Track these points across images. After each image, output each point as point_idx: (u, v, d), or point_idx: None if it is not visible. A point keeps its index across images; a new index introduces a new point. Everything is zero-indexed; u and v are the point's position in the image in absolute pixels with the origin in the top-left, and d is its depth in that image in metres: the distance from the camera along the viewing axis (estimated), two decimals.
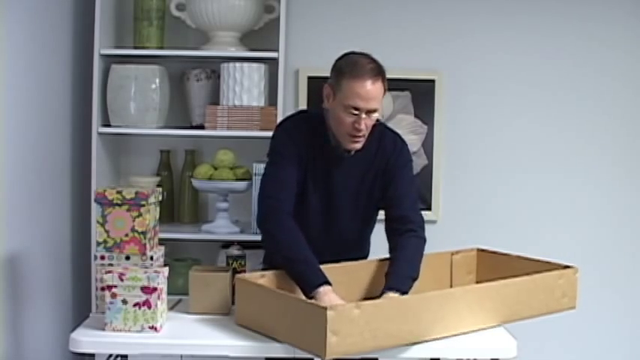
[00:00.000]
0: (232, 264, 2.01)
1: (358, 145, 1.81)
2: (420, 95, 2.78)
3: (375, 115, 1.79)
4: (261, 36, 2.68)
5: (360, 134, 1.78)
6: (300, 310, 1.50)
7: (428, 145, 2.79)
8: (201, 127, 2.65)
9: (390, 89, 2.74)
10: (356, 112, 1.76)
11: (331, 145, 1.86)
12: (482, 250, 2.06)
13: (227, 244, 2.61)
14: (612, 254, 2.88)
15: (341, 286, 1.72)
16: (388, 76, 2.80)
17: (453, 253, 2.00)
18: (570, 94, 2.85)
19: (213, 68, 2.71)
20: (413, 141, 2.74)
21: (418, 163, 2.77)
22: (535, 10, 2.82)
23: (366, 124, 1.78)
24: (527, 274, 1.80)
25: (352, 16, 2.79)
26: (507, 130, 2.84)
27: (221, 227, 2.59)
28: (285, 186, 1.79)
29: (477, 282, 1.98)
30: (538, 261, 1.93)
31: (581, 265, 2.83)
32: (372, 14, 2.80)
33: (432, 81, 2.79)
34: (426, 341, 1.59)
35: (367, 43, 2.80)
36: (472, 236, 2.79)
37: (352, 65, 1.77)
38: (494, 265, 1.97)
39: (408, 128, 2.77)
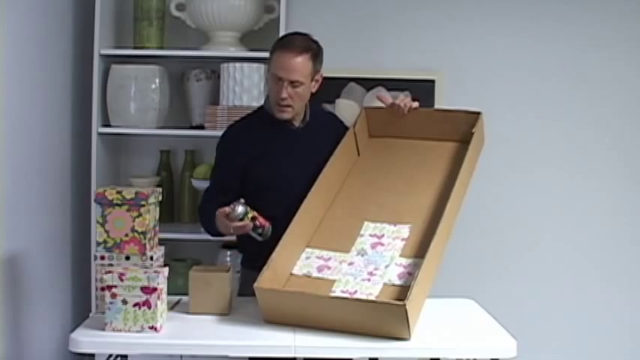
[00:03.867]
0: (247, 214, 1.89)
1: (286, 115, 1.96)
2: (420, 96, 2.75)
3: (300, 90, 1.93)
4: (261, 36, 2.67)
5: (285, 103, 1.93)
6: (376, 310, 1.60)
7: None
8: (201, 127, 2.65)
9: (389, 89, 2.80)
10: (280, 82, 1.91)
11: (279, 121, 1.99)
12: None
13: (227, 244, 2.60)
14: (616, 254, 2.86)
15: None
16: (387, 76, 2.78)
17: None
18: (574, 94, 2.84)
19: (213, 68, 2.70)
20: None
21: None
22: (536, 9, 2.81)
23: (289, 94, 1.92)
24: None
25: (352, 15, 2.78)
26: (509, 131, 2.83)
27: None
28: (213, 192, 2.01)
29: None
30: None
31: (581, 265, 2.85)
32: (372, 14, 2.79)
33: (432, 81, 2.78)
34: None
35: (367, 42, 2.81)
36: (474, 233, 2.79)
37: (284, 41, 1.97)
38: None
39: None
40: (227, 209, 1.83)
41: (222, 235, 1.95)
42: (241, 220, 1.82)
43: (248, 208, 1.83)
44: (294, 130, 2.03)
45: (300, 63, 1.91)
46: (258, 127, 2.01)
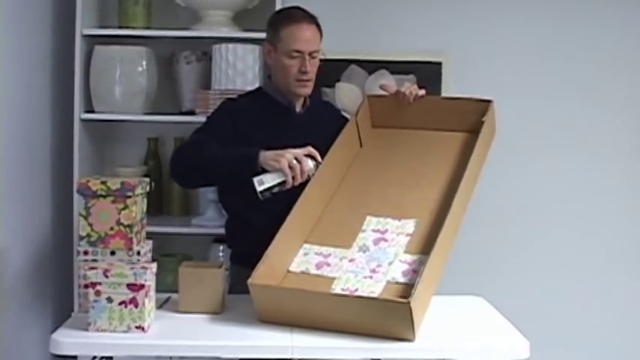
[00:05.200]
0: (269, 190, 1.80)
1: (307, 90, 2.00)
2: (426, 79, 2.76)
3: (317, 60, 1.99)
4: (255, 15, 2.65)
5: (307, 77, 1.97)
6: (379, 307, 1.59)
7: None
8: (191, 112, 2.64)
9: (393, 72, 2.80)
10: (299, 55, 1.95)
11: (281, 105, 2.01)
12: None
13: (219, 238, 2.60)
14: (637, 248, 2.86)
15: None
16: (391, 58, 2.77)
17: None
18: (590, 78, 2.83)
19: (204, 50, 2.69)
20: None
21: None
22: None
23: (311, 65, 1.97)
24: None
25: None
26: (519, 114, 2.82)
27: (213, 220, 2.60)
28: (206, 142, 1.87)
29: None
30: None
31: (600, 261, 2.85)
32: None
33: (439, 63, 2.78)
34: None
35: (369, 21, 2.80)
36: (483, 228, 2.79)
37: (287, 15, 2.00)
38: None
39: None
40: (288, 156, 1.74)
41: (215, 178, 1.88)
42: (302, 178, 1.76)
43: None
44: (295, 114, 2.04)
45: (315, 32, 1.98)
46: (258, 107, 2.02)
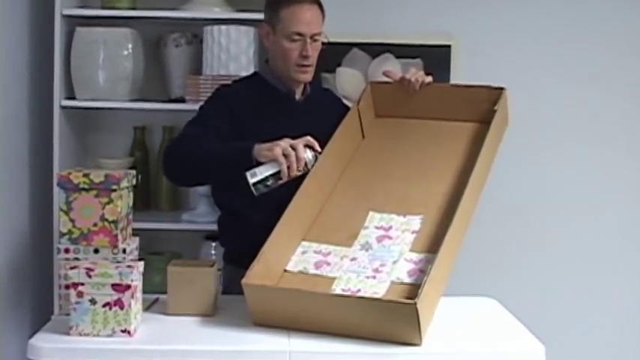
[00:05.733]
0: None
1: (308, 76, 2.00)
2: (433, 64, 2.76)
3: (318, 44, 1.98)
4: None
5: (308, 62, 1.97)
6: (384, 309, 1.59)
7: None
8: (181, 100, 2.64)
9: (398, 57, 2.80)
10: (300, 38, 1.94)
11: (279, 93, 2.01)
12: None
13: (211, 235, 2.60)
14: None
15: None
16: (397, 41, 2.77)
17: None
18: (609, 61, 2.83)
19: (194, 32, 2.69)
20: None
21: None
22: None
23: (312, 49, 1.96)
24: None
25: None
26: (534, 103, 2.82)
27: (204, 215, 2.60)
28: (203, 135, 1.87)
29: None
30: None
31: (620, 261, 2.86)
32: None
33: (447, 47, 2.78)
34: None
35: (373, 2, 2.79)
36: (494, 224, 2.79)
37: None
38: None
39: None
40: (283, 144, 1.72)
41: (210, 176, 1.87)
42: (302, 170, 1.75)
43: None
44: (294, 102, 2.04)
45: (317, 13, 1.97)
46: (256, 93, 2.02)
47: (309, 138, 1.79)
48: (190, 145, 1.85)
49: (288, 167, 1.73)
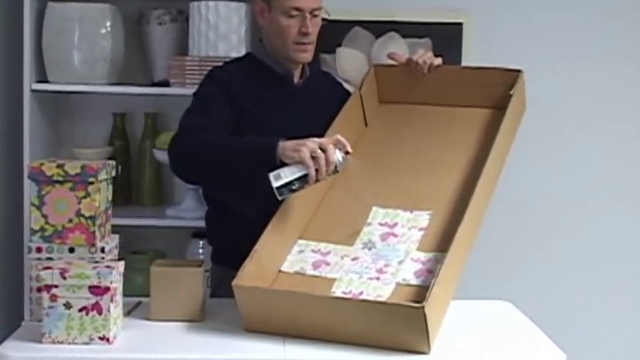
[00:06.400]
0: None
1: (308, 56, 1.99)
2: (444, 44, 2.76)
3: (318, 20, 1.98)
4: None
5: (308, 40, 1.97)
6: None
7: None
8: (164, 84, 2.64)
9: (404, 36, 2.79)
10: (299, 14, 1.94)
11: (276, 75, 2.00)
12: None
13: (198, 232, 2.61)
14: None
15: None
16: (403, 19, 2.75)
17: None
18: (634, 41, 2.82)
19: (179, 8, 2.68)
20: None
21: None
22: None
23: (312, 25, 1.96)
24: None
25: None
26: (554, 87, 2.82)
27: (191, 211, 2.61)
28: (208, 125, 1.88)
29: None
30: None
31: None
32: None
33: (459, 25, 2.78)
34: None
35: None
36: (510, 220, 2.79)
37: None
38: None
39: None
40: (311, 144, 1.69)
41: (226, 173, 1.82)
42: (333, 172, 1.72)
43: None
44: (292, 86, 2.04)
45: None
46: (251, 75, 2.02)
47: (339, 137, 1.76)
48: (200, 138, 1.83)
49: (317, 171, 1.71)
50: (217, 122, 1.89)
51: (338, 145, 1.75)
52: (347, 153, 1.77)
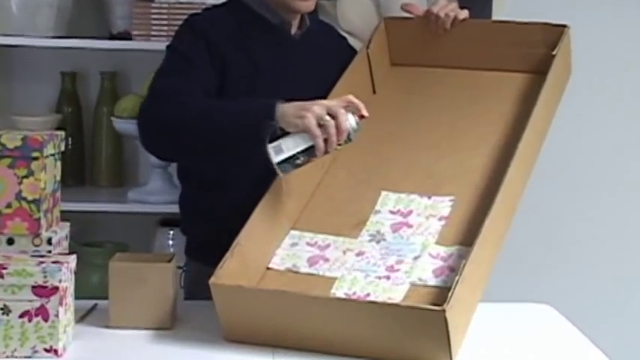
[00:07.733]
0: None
1: (310, 4, 1.97)
2: None
3: None
4: None
5: None
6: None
7: None
8: (125, 36, 2.64)
9: None
10: None
11: (270, 25, 2.01)
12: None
13: (167, 220, 2.62)
14: None
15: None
16: None
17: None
18: None
19: None
20: None
21: None
22: None
23: None
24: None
25: None
26: (600, 43, 2.83)
27: (158, 193, 2.62)
28: (188, 87, 1.86)
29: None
30: None
31: None
32: None
33: None
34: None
35: None
36: (548, 204, 2.80)
37: None
38: None
39: None
40: (317, 109, 1.68)
41: (212, 146, 1.81)
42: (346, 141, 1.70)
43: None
44: (289, 37, 2.03)
45: None
46: (238, 24, 2.00)
47: (351, 98, 1.73)
48: (181, 103, 1.80)
49: (326, 141, 1.69)
50: (199, 83, 1.87)
51: (350, 107, 1.72)
52: (362, 117, 1.74)
